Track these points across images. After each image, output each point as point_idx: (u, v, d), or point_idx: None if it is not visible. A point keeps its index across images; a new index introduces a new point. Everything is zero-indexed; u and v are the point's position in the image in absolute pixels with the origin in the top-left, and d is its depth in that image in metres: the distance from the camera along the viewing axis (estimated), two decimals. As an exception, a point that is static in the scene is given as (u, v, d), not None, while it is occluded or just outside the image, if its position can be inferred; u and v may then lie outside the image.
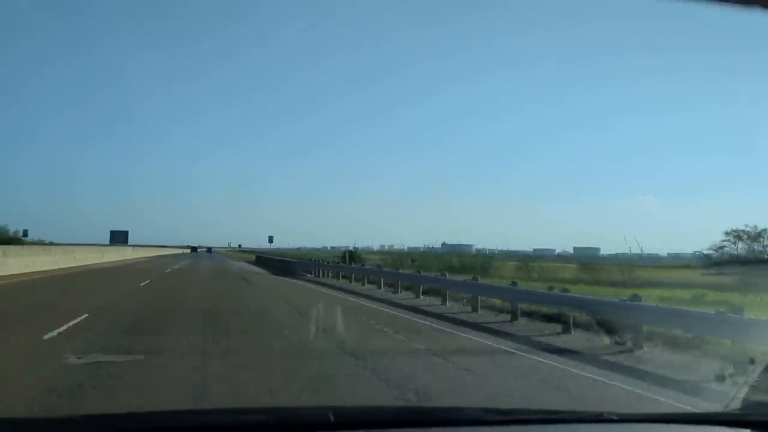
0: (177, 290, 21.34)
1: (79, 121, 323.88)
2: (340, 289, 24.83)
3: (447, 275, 20.83)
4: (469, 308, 16.78)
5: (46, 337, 9.51)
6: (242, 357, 8.45)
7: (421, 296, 20.67)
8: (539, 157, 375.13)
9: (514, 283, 16.58)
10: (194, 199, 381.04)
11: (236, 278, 30.92)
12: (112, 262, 45.51)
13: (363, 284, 27.11)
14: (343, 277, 31.47)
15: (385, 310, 16.42)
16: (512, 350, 9.92)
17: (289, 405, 5.02)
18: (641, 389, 7.18)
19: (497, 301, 16.56)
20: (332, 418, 2.13)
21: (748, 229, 38.27)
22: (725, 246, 39.04)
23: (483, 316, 15.45)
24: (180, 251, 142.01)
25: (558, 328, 12.72)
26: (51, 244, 72.14)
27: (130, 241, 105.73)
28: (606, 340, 11.11)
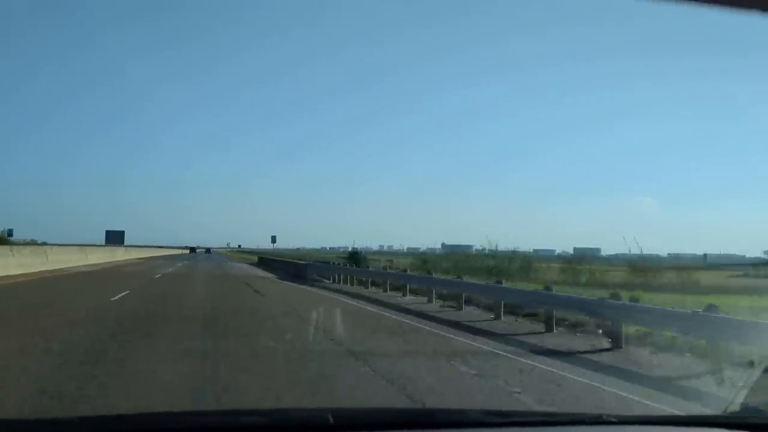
0: (159, 307, 15.42)
1: (77, 122, 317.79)
2: (376, 301, 18.87)
3: (504, 283, 16.72)
4: (542, 327, 12.95)
5: None
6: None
7: (464, 308, 16.73)
8: (539, 158, 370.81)
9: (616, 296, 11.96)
10: (193, 200, 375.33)
11: (240, 286, 24.92)
12: (95, 264, 39.35)
13: (385, 290, 22.77)
14: (359, 281, 26.80)
15: (486, 347, 10.34)
16: None
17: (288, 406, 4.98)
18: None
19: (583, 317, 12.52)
20: (332, 420, 2.09)
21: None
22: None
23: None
24: (179, 252, 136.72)
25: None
26: (43, 243, 66.73)
27: (128, 241, 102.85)
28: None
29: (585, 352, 9.91)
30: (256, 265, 56.42)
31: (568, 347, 10.24)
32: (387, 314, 15.07)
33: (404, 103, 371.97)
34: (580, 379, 7.56)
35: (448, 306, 17.30)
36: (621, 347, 10.17)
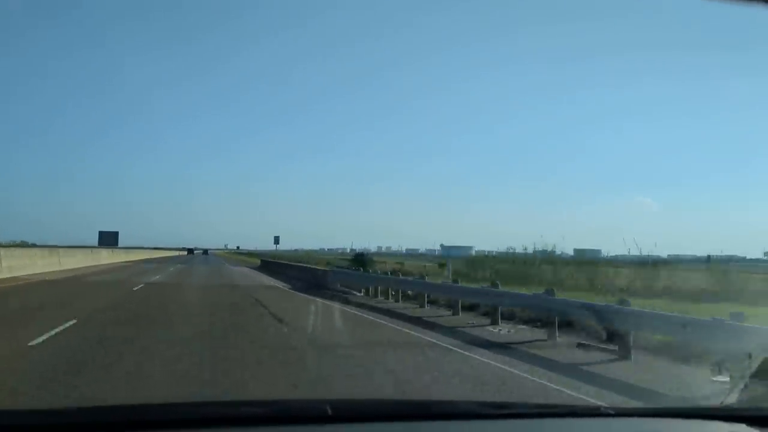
0: (111, 357, 8.32)
1: (76, 122, 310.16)
2: (471, 339, 11.73)
3: (630, 304, 10.64)
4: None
5: None
6: None
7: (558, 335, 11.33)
8: (538, 158, 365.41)
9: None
10: (191, 201, 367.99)
11: (248, 303, 17.91)
12: (67, 270, 31.92)
13: (422, 306, 17.66)
14: (393, 295, 20.74)
15: None
16: None
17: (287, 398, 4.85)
18: None
19: None
20: (330, 411, 2.09)
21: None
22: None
23: None
24: (176, 253, 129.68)
25: None
26: (33, 245, 60.62)
27: (124, 242, 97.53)
28: None
29: None
30: (259, 269, 49.07)
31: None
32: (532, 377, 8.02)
33: (403, 103, 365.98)
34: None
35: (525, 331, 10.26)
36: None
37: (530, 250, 37.81)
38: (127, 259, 58.55)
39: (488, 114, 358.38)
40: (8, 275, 23.58)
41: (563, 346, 10.65)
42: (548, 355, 9.71)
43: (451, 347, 10.22)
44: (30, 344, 8.91)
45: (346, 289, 23.65)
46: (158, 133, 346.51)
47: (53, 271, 29.76)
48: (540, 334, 12.10)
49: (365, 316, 15.06)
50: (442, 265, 57.82)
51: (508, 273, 30.63)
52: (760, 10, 1.55)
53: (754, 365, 3.90)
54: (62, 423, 1.96)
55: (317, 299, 19.78)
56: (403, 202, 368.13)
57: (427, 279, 20.00)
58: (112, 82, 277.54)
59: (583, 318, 11.34)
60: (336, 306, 17.38)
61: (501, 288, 15.18)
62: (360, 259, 64.24)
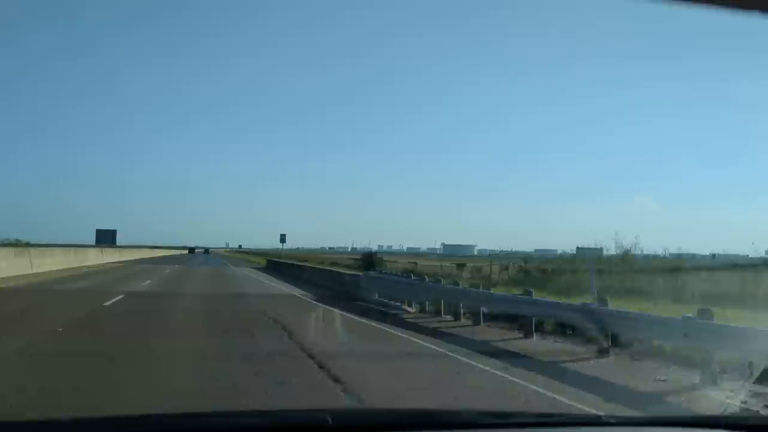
0: None
1: (76, 120, 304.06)
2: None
3: None
4: None
5: None
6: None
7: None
8: (539, 158, 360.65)
9: None
10: (192, 200, 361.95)
11: (264, 327, 12.14)
12: (36, 275, 25.90)
13: (528, 335, 11.94)
14: (409, 303, 16.65)
15: None
16: None
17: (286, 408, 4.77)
18: None
19: None
20: (330, 421, 2.05)
21: None
22: None
23: None
24: (178, 252, 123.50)
25: None
26: (27, 244, 54.96)
27: (124, 241, 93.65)
28: None
29: None
30: (266, 271, 43.04)
31: None
32: None
33: (405, 104, 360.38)
34: None
35: None
36: None
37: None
38: (120, 259, 52.50)
39: (488, 115, 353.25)
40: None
41: None
42: None
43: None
44: None
45: (387, 301, 17.71)
46: (158, 132, 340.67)
47: (17, 276, 23.77)
48: None
49: (476, 363, 8.88)
50: (461, 266, 51.92)
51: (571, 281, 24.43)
52: (758, 18, 1.52)
53: (756, 373, 3.57)
54: None
55: (362, 320, 13.87)
56: (403, 201, 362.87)
57: (462, 286, 14.13)
58: (119, 81, 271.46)
59: None
60: (397, 333, 11.46)
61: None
62: (370, 260, 58.38)
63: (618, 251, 30.30)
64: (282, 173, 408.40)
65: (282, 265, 46.41)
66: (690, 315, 8.03)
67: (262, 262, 64.54)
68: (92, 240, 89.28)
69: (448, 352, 9.55)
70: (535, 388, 7.03)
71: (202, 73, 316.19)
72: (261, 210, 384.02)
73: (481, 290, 15.49)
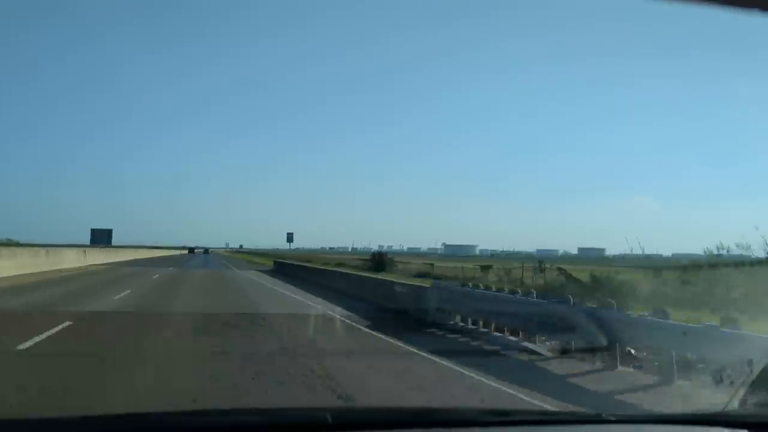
0: None
1: (75, 121, 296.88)
2: None
3: None
4: None
5: None
6: None
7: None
8: (540, 159, 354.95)
9: None
10: (191, 200, 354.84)
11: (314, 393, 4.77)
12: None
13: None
14: (511, 331, 10.79)
15: None
16: None
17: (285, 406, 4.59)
18: None
19: None
20: (330, 419, 1.99)
21: None
22: None
23: None
24: (177, 252, 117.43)
25: None
26: (17, 244, 48.95)
27: (122, 240, 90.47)
28: None
29: None
30: (274, 274, 36.22)
31: None
32: None
33: (404, 104, 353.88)
34: None
35: None
36: None
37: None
38: (107, 261, 45.74)
39: (488, 115, 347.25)
40: None
41: None
42: None
43: None
44: None
45: (476, 328, 11.18)
46: (157, 131, 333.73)
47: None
48: None
49: None
50: (485, 268, 45.27)
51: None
52: (758, 16, 1.50)
53: (756, 371, 3.51)
54: None
55: (490, 382, 7.19)
56: (403, 201, 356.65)
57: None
58: (119, 79, 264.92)
59: None
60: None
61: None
62: (380, 261, 51.67)
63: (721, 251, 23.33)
64: (282, 173, 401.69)
65: (292, 267, 39.68)
66: None
67: (268, 263, 57.73)
68: (88, 240, 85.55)
69: None
70: None
71: (201, 70, 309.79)
72: (261, 210, 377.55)
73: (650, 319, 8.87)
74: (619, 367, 8.29)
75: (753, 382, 3.34)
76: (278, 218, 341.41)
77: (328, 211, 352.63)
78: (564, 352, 9.28)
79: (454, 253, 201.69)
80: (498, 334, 10.80)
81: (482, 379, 7.18)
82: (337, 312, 14.50)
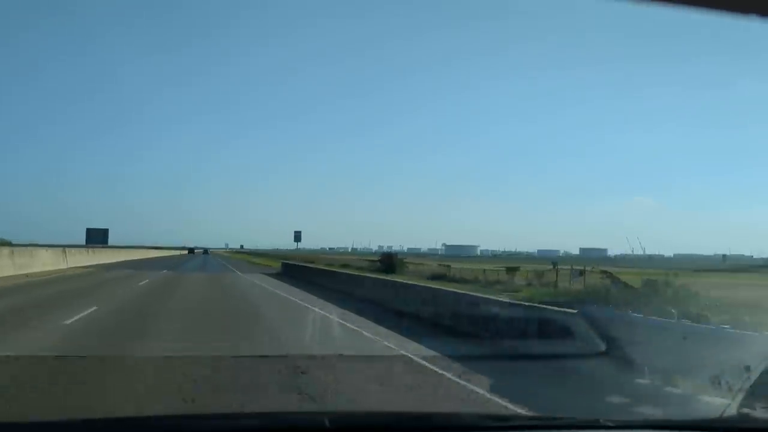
0: None
1: (73, 121, 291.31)
2: None
3: None
4: None
5: None
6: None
7: None
8: (541, 159, 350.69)
9: None
10: (190, 200, 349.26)
11: None
12: None
13: None
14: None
15: None
16: None
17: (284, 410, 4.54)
18: None
19: None
20: (327, 424, 1.95)
21: None
22: None
23: None
24: (177, 253, 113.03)
25: None
26: (9, 244, 46.90)
27: (120, 241, 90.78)
28: None
29: None
30: (286, 279, 30.26)
31: None
32: None
33: (406, 105, 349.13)
34: None
35: None
36: None
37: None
38: (93, 263, 40.00)
39: (491, 117, 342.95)
40: None
41: None
42: None
43: None
44: None
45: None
46: (158, 131, 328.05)
47: None
48: None
49: None
50: (511, 270, 39.98)
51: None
52: (756, 22, 1.52)
53: (753, 377, 3.43)
54: None
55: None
56: (403, 201, 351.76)
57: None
58: (121, 79, 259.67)
59: None
60: None
61: None
62: (390, 262, 44.99)
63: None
64: (282, 174, 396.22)
65: (302, 270, 33.83)
66: None
67: (273, 265, 51.95)
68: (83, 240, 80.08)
69: None
70: None
71: (202, 70, 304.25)
72: (261, 210, 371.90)
73: None
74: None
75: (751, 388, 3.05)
76: (278, 218, 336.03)
77: (328, 211, 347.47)
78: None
79: (454, 253, 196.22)
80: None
81: None
82: (411, 350, 8.71)
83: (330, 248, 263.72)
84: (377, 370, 7.63)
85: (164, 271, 34.17)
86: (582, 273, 35.24)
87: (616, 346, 7.22)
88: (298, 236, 48.97)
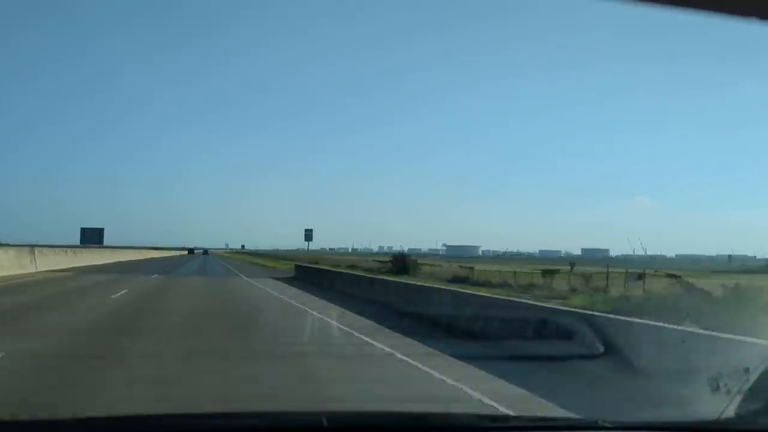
0: None
1: (71, 121, 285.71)
2: None
3: None
4: None
5: None
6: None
7: None
8: (542, 159, 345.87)
9: None
10: (190, 200, 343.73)
11: None
12: None
13: None
14: None
15: None
16: None
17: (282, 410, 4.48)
18: None
19: None
20: (325, 423, 1.94)
21: None
22: None
23: None
24: (178, 253, 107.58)
25: None
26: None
27: (119, 241, 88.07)
28: None
29: None
30: (305, 287, 23.59)
31: None
32: None
33: (406, 105, 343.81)
34: None
35: None
36: None
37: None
38: (75, 265, 33.70)
39: (491, 118, 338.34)
40: None
41: None
42: None
43: None
44: None
45: None
46: (157, 133, 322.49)
47: None
48: None
49: None
50: (549, 273, 34.74)
51: None
52: (756, 24, 1.52)
53: (752, 378, 3.27)
54: None
55: None
56: (403, 202, 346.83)
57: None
58: (121, 79, 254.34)
59: None
60: None
61: None
62: (403, 262, 40.53)
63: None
64: (282, 174, 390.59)
65: (322, 274, 27.45)
66: None
67: (280, 267, 45.79)
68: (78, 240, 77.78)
69: None
70: None
71: (202, 70, 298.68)
72: (261, 210, 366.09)
73: None
74: None
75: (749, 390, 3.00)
76: (278, 219, 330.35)
77: (328, 212, 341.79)
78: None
79: (456, 254, 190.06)
80: None
81: None
82: None
83: (330, 249, 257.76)
84: None
85: (154, 275, 27.89)
86: (641, 277, 30.45)
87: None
88: (309, 235, 42.68)
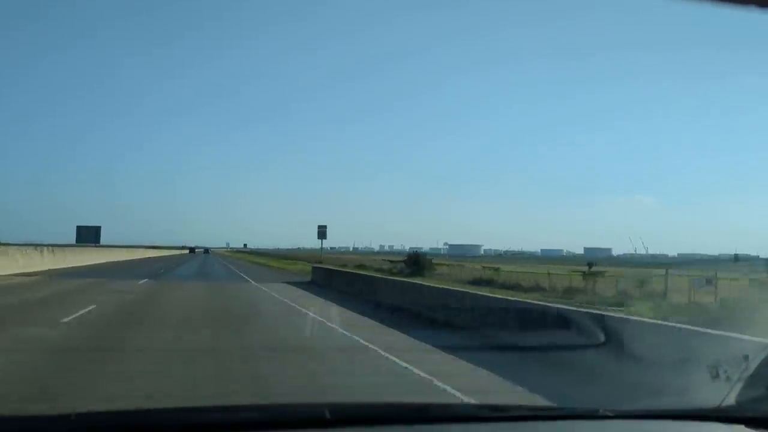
0: None
1: (70, 118, 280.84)
2: None
3: None
4: None
5: None
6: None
7: None
8: (544, 159, 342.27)
9: None
10: (191, 199, 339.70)
11: None
12: None
13: None
14: None
15: None
16: None
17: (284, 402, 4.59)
18: None
19: None
20: (328, 415, 1.89)
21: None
22: None
23: None
24: (178, 253, 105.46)
25: None
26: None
27: (119, 240, 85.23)
28: None
29: None
30: (340, 299, 17.83)
31: None
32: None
33: (406, 105, 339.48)
34: None
35: None
36: None
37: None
38: (54, 267, 28.44)
39: (491, 118, 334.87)
40: None
41: None
42: None
43: None
44: None
45: None
46: (157, 132, 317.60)
47: None
48: None
49: None
50: (590, 275, 29.88)
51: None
52: (755, 12, 1.48)
53: (752, 366, 3.09)
54: (50, 429, 1.78)
55: None
56: (404, 201, 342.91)
57: None
58: (118, 75, 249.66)
59: None
60: None
61: None
62: (417, 261, 38.03)
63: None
64: (282, 174, 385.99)
65: (352, 279, 22.01)
66: None
67: (290, 268, 40.44)
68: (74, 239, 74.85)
69: None
70: None
71: (199, 63, 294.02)
72: (261, 210, 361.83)
73: None
74: None
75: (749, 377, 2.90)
76: (279, 219, 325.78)
77: (329, 211, 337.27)
78: None
79: (458, 253, 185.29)
80: None
81: None
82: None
83: (332, 248, 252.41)
84: None
85: (143, 280, 22.45)
86: (712, 281, 25.37)
87: None
88: (323, 233, 37.20)
